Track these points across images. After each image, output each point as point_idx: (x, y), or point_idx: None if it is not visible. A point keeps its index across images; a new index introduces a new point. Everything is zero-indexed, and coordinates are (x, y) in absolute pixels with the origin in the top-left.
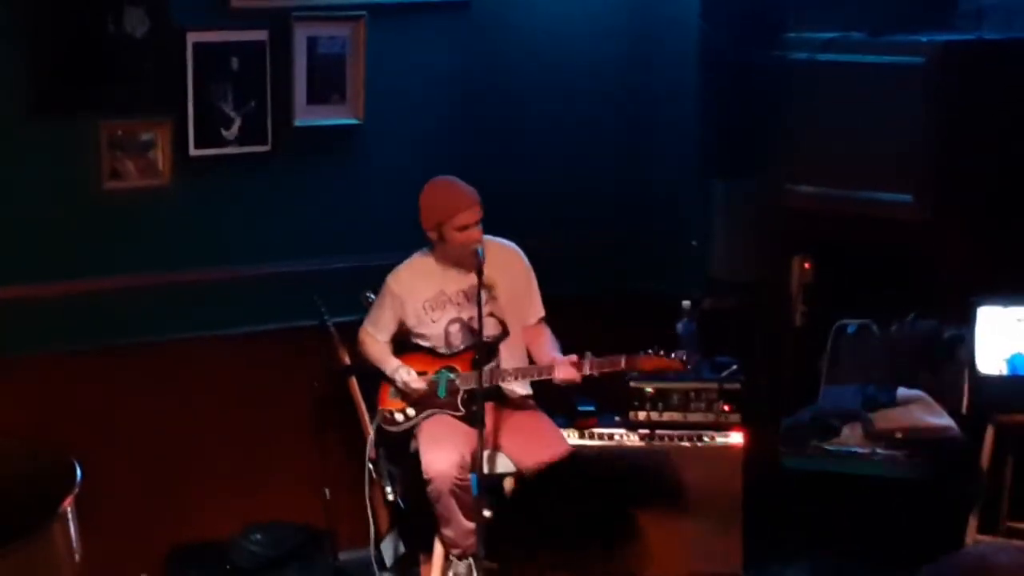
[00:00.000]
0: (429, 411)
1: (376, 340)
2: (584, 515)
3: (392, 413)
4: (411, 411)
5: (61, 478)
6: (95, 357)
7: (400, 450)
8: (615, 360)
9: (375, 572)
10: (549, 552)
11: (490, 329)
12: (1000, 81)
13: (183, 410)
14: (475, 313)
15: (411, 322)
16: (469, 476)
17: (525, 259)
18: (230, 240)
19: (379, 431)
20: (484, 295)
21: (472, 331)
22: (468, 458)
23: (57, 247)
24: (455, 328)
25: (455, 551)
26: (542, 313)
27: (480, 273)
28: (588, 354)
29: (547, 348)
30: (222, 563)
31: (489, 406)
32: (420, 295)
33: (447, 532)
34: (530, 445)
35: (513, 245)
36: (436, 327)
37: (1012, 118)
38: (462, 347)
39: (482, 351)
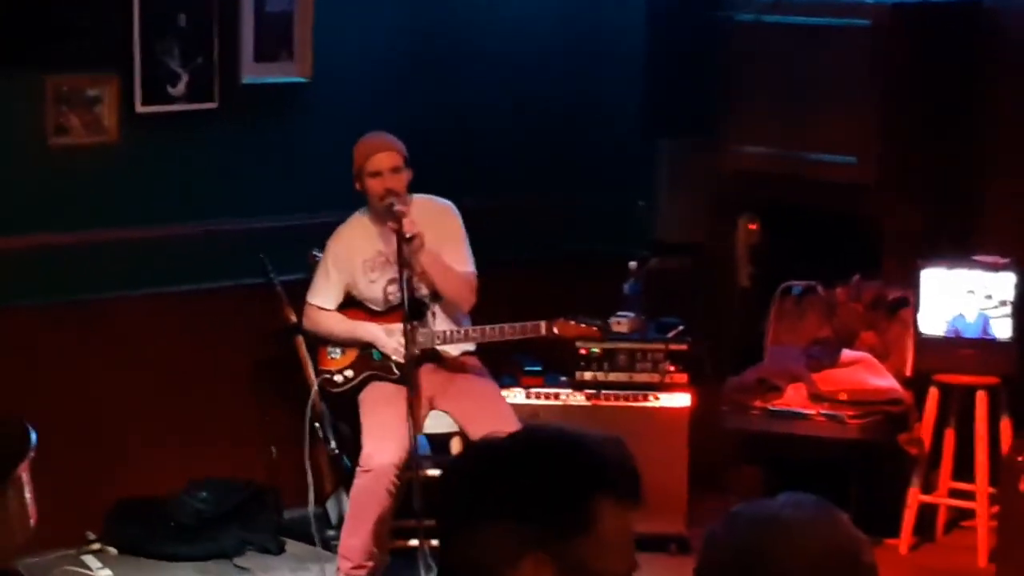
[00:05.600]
0: (366, 373)
1: (325, 312)
2: None
3: (332, 374)
4: (349, 372)
5: (14, 443)
6: (39, 314)
7: (345, 408)
8: (536, 325)
9: (317, 531)
10: None
11: (423, 289)
12: (946, 44)
13: (128, 367)
14: (413, 274)
15: (352, 283)
16: (402, 478)
17: (457, 215)
18: (177, 197)
19: (322, 390)
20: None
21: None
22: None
23: None
24: (394, 288)
25: (345, 565)
26: (469, 268)
27: (399, 227)
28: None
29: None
30: (165, 520)
31: (428, 367)
32: (359, 254)
33: (349, 540)
34: (478, 414)
35: (447, 202)
36: (375, 288)
37: (957, 81)
38: (394, 304)
39: (412, 311)
